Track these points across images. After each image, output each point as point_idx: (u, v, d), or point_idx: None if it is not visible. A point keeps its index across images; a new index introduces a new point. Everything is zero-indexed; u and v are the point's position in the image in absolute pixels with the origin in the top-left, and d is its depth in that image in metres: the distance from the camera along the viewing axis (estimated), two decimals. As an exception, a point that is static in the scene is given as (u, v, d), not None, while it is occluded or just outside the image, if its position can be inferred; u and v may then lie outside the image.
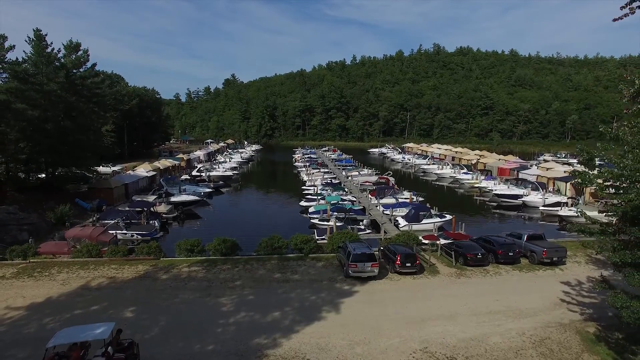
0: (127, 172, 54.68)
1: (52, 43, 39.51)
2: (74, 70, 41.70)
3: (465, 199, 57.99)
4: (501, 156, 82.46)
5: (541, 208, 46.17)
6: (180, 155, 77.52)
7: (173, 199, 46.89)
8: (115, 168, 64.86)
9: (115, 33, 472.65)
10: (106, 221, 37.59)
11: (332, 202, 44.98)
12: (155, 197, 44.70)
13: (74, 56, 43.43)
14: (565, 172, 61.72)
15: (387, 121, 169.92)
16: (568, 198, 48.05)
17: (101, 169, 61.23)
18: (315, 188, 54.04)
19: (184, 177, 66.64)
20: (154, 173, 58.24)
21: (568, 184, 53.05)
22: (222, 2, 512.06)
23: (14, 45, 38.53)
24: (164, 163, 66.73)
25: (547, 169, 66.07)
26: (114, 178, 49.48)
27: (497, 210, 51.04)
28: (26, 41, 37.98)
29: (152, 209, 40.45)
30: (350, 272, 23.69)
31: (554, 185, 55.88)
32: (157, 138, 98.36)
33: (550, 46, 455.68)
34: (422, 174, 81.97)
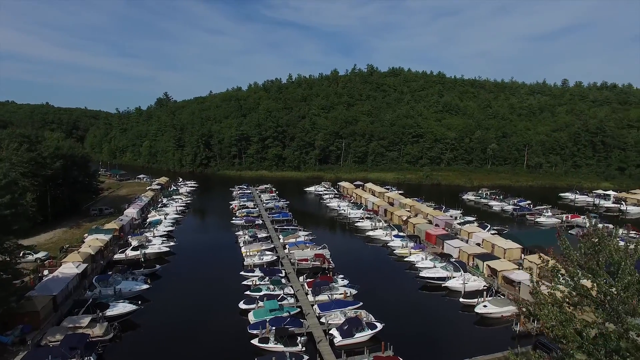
0: (53, 275, 51.49)
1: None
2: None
3: (396, 274, 62.02)
4: (430, 211, 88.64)
5: (461, 300, 50.92)
6: (112, 226, 74.34)
7: (109, 312, 45.79)
8: (39, 255, 60.99)
9: (32, 25, 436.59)
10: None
11: (270, 309, 46.70)
12: (89, 317, 43.22)
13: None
14: (483, 240, 68.59)
15: (323, 149, 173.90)
16: (484, 286, 53.57)
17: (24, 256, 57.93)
18: (254, 280, 55.45)
19: (117, 256, 64.87)
20: (85, 265, 55.88)
21: (485, 263, 58.99)
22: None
23: None
24: (95, 243, 63.83)
25: (469, 234, 72.53)
26: (38, 290, 46.32)
27: (423, 291, 55.66)
28: None
29: (87, 340, 39.41)
30: None
31: (473, 261, 61.73)
32: (85, 197, 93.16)
33: (474, 53, 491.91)
34: (354, 228, 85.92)
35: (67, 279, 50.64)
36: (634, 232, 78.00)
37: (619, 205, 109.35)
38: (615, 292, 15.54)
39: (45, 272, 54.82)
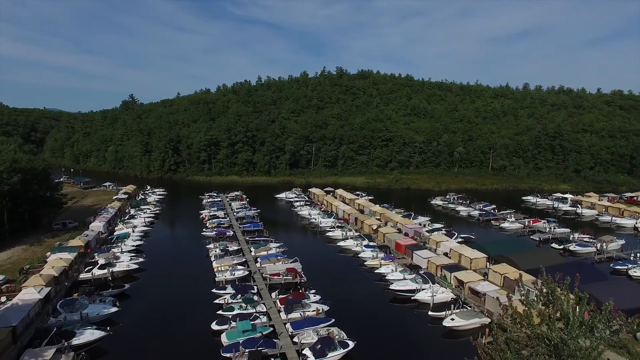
0: (12, 302, 48.99)
1: None
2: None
3: (367, 286, 62.90)
4: (399, 219, 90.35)
5: (430, 313, 52.33)
6: (77, 242, 71.88)
7: (75, 340, 44.28)
8: (-4, 280, 58.41)
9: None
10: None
11: (243, 329, 46.60)
12: (53, 349, 41.72)
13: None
14: (451, 250, 70.61)
15: (294, 153, 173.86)
16: (452, 297, 55.35)
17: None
18: (226, 298, 55.12)
19: (83, 275, 62.88)
20: (48, 289, 53.81)
21: (452, 274, 60.83)
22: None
23: None
24: (58, 263, 61.47)
25: (437, 243, 74.42)
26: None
27: (393, 304, 56.85)
28: None
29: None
30: None
31: (441, 272, 63.51)
32: (47, 212, 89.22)
33: (440, 55, 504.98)
34: (325, 237, 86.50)
35: (28, 307, 48.33)
36: (588, 235, 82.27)
37: (575, 209, 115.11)
38: (565, 344, 16.63)
39: (3, 299, 52.05)
